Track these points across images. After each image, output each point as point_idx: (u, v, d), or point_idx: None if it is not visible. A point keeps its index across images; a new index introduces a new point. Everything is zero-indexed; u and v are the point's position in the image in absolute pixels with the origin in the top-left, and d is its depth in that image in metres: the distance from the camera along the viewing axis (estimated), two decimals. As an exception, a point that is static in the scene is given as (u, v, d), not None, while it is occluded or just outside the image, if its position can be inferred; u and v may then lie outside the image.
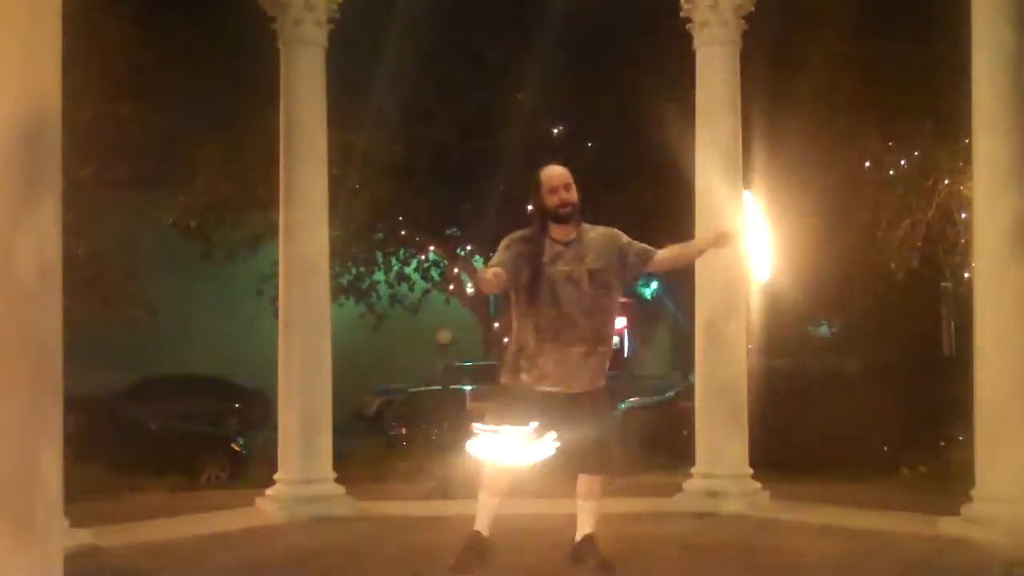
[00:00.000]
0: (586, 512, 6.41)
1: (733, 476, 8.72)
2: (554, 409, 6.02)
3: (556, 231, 6.24)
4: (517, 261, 6.13)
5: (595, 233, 6.35)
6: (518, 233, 6.36)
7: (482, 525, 6.32)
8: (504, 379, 6.33)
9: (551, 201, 6.20)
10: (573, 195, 6.23)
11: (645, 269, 6.56)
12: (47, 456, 3.00)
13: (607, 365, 6.33)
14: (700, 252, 6.77)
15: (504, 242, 6.28)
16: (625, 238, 6.39)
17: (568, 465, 6.20)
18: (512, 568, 6.46)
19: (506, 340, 6.47)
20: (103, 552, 7.15)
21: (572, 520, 6.40)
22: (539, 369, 6.13)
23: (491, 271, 5.99)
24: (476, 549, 6.29)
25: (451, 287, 21.39)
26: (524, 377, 6.17)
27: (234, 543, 7.66)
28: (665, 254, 6.39)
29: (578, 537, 6.39)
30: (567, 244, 6.23)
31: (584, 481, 6.36)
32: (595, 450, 6.20)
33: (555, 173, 6.27)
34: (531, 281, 6.14)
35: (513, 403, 6.12)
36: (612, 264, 6.27)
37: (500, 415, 6.05)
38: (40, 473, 2.98)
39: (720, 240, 6.32)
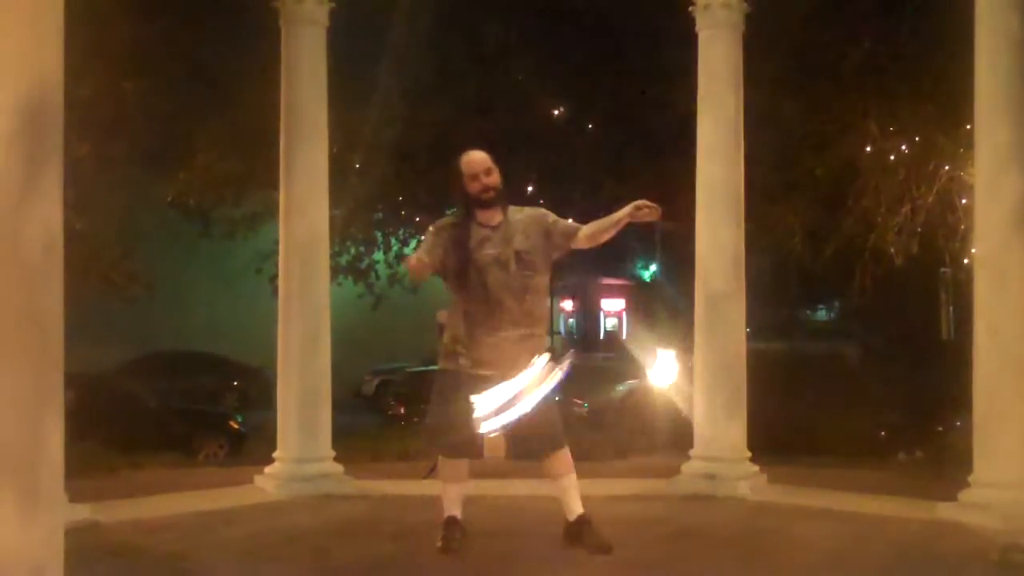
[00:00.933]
0: (567, 490, 6.41)
1: (731, 459, 8.73)
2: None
3: (482, 215, 6.28)
4: (445, 246, 6.19)
5: (522, 215, 6.40)
6: (445, 219, 6.45)
7: (453, 510, 6.47)
8: (442, 364, 6.42)
9: (473, 187, 6.24)
10: (494, 179, 6.26)
11: (570, 246, 6.48)
12: (51, 430, 3.03)
13: (544, 346, 6.39)
14: (618, 223, 6.46)
15: (431, 229, 6.37)
16: (552, 217, 6.42)
17: (522, 449, 6.37)
18: (505, 552, 6.49)
19: (440, 323, 6.50)
20: (102, 528, 7.17)
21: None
22: (475, 354, 6.21)
23: (414, 257, 6.05)
24: (456, 529, 6.43)
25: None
26: (462, 362, 6.26)
27: (233, 520, 7.67)
28: (587, 230, 6.39)
29: (571, 517, 6.39)
30: (494, 228, 6.28)
31: (545, 462, 6.39)
32: (542, 431, 6.24)
33: (475, 159, 6.30)
34: (459, 267, 6.20)
35: (453, 388, 6.21)
36: (539, 245, 6.31)
37: (441, 400, 6.27)
38: (44, 446, 3.00)
39: (638, 212, 6.23)
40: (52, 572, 3.05)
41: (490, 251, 6.21)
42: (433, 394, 6.48)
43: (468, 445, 6.31)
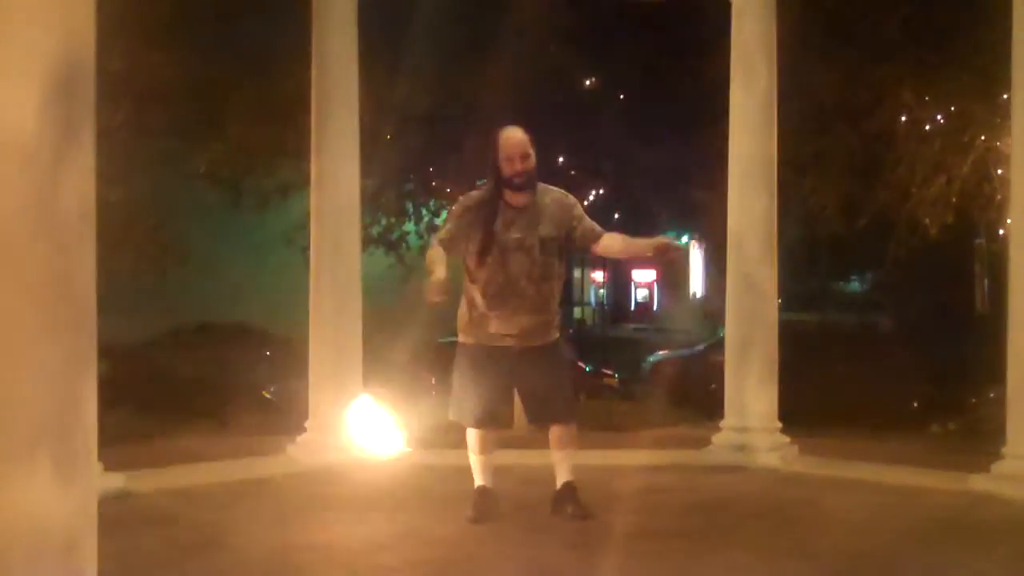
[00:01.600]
0: (561, 461, 6.51)
1: (762, 430, 8.72)
2: (511, 362, 6.25)
3: (510, 196, 6.23)
4: (468, 230, 6.20)
5: (550, 199, 6.34)
6: (474, 196, 6.39)
7: (484, 479, 6.55)
8: (461, 337, 6.48)
9: (506, 170, 6.17)
10: (529, 164, 6.18)
11: (586, 249, 6.52)
12: (86, 396, 3.05)
13: (557, 323, 6.46)
14: (638, 252, 6.76)
15: (457, 208, 6.35)
16: (578, 210, 6.39)
17: (534, 415, 6.45)
18: (533, 523, 6.51)
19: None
20: (136, 495, 7.24)
21: (601, 469, 6.44)
22: (491, 327, 6.27)
23: (434, 284, 5.90)
24: (488, 499, 6.51)
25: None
26: (478, 334, 6.33)
27: (265, 489, 7.74)
28: (609, 242, 6.38)
29: (558, 485, 6.49)
30: (520, 210, 6.24)
31: (555, 431, 6.46)
32: (557, 398, 6.39)
33: (513, 141, 6.20)
34: (481, 247, 6.17)
35: (474, 360, 6.34)
36: (561, 236, 6.29)
37: (463, 372, 6.37)
38: (79, 414, 3.02)
39: (665, 251, 6.29)
40: (87, 539, 3.07)
41: (516, 235, 6.18)
42: (455, 367, 6.55)
43: (492, 416, 6.39)
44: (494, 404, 6.35)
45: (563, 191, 6.50)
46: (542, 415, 6.47)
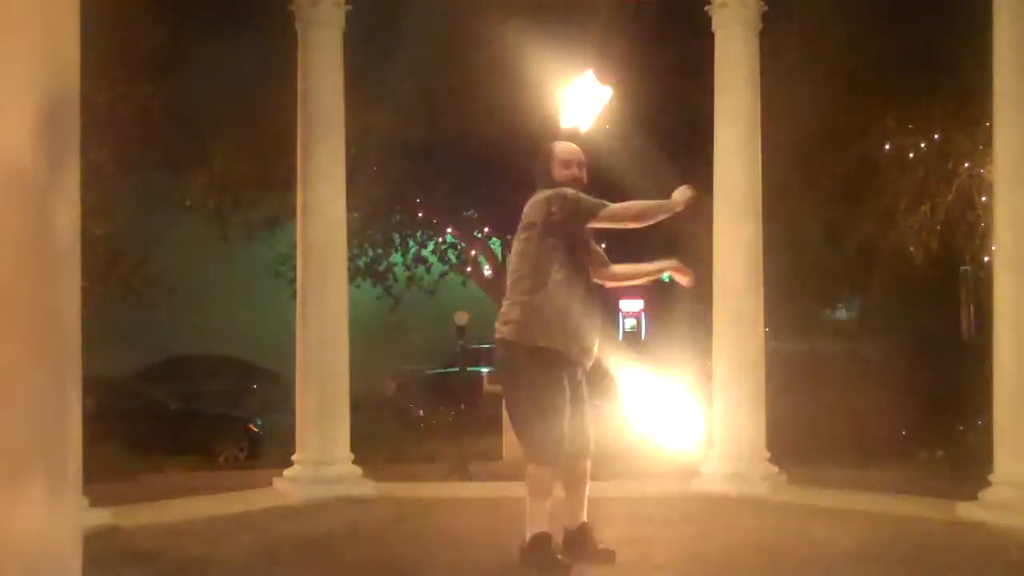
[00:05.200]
0: (581, 501, 6.10)
1: (751, 459, 8.71)
2: (577, 383, 5.95)
3: None
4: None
5: None
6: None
7: (544, 524, 5.86)
8: (540, 341, 5.83)
9: (562, 175, 6.02)
10: (585, 175, 6.11)
11: (596, 274, 6.27)
12: (71, 422, 3.11)
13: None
14: (643, 277, 6.56)
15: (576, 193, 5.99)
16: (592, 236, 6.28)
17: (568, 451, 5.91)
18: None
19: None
20: (122, 532, 7.20)
21: (589, 501, 6.35)
22: (575, 334, 5.87)
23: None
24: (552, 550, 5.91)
25: (468, 269, 21.38)
26: (562, 343, 5.85)
27: (252, 523, 7.70)
28: (615, 270, 6.29)
29: (573, 525, 6.11)
30: None
31: (580, 464, 6.04)
32: (589, 433, 6.03)
33: (574, 148, 6.15)
34: (576, 243, 6.01)
35: (559, 377, 5.82)
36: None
37: (550, 392, 5.77)
38: (66, 439, 3.07)
39: (672, 270, 6.18)
40: (73, 562, 3.09)
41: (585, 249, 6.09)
42: (535, 383, 5.82)
43: (562, 451, 5.84)
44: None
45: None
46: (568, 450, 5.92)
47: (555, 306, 5.81)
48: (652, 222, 6.04)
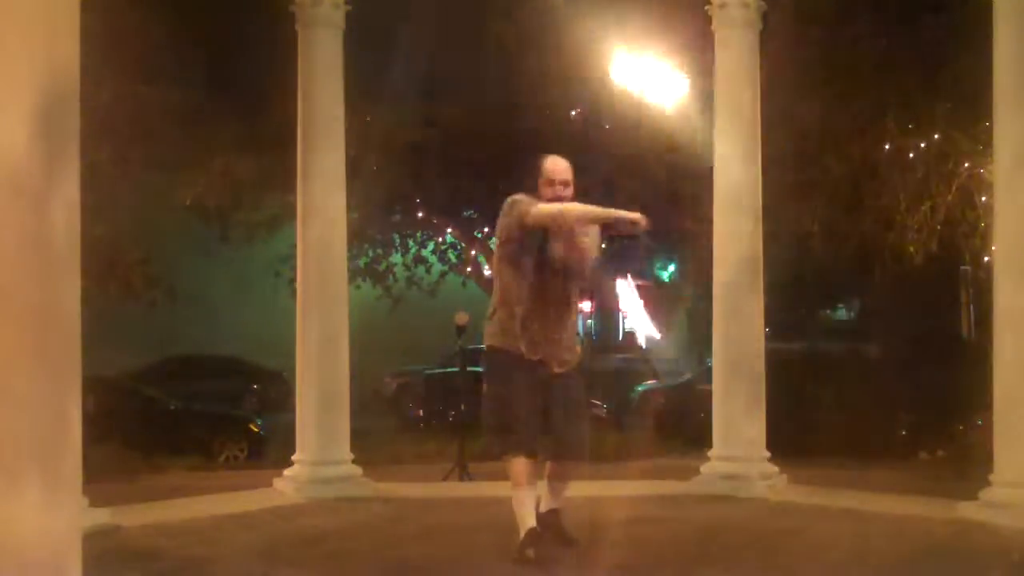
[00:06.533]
0: (556, 490, 6.31)
1: (751, 459, 8.70)
2: (542, 385, 6.06)
3: None
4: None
5: None
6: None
7: (531, 520, 6.04)
8: (494, 341, 6.20)
9: (545, 193, 6.20)
10: (568, 194, 6.22)
11: None
12: (71, 421, 3.12)
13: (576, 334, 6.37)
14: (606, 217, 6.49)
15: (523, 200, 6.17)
16: None
17: (559, 448, 6.18)
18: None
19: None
20: (122, 532, 7.19)
21: (591, 500, 6.38)
22: (529, 337, 6.06)
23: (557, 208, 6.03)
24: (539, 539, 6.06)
25: (468, 269, 21.40)
26: (518, 345, 6.08)
27: (252, 523, 7.69)
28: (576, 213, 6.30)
29: (543, 508, 6.26)
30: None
31: (568, 465, 6.28)
32: (584, 435, 6.23)
33: (559, 167, 6.27)
34: (538, 251, 6.11)
35: (511, 372, 6.10)
36: None
37: (500, 386, 6.13)
38: (66, 437, 3.07)
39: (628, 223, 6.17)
40: (72, 559, 3.10)
41: (558, 252, 6.16)
42: (487, 380, 6.25)
43: (533, 440, 6.08)
44: (536, 426, 6.09)
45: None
46: (560, 451, 6.20)
47: (512, 310, 6.08)
48: (598, 224, 6.27)
